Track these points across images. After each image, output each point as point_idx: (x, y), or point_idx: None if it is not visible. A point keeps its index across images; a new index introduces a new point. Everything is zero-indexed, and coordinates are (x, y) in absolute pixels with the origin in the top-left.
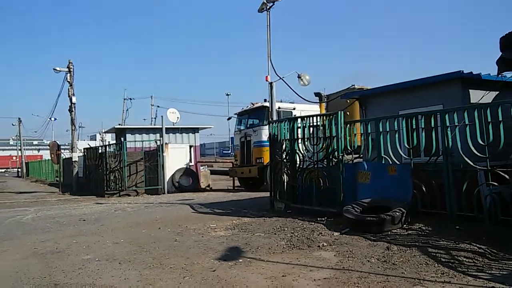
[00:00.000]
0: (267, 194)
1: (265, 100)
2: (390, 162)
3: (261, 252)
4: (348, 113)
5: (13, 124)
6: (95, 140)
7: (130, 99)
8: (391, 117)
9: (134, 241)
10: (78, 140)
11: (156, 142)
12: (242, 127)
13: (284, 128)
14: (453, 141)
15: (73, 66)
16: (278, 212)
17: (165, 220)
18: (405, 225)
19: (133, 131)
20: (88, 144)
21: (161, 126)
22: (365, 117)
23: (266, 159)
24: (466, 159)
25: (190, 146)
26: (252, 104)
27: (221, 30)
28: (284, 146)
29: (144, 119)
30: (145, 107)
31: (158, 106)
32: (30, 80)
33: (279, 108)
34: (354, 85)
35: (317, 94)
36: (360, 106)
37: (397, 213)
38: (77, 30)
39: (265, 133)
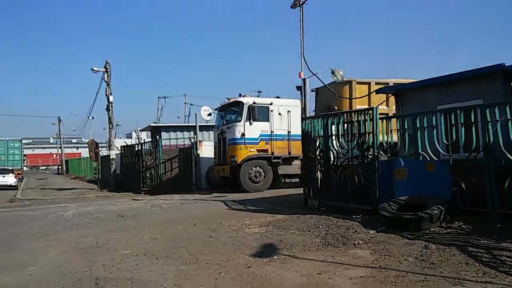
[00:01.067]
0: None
1: (240, 95)
2: (428, 159)
3: (295, 249)
4: (336, 107)
5: (53, 123)
6: (131, 138)
7: (164, 97)
8: (429, 112)
9: (171, 237)
10: (115, 138)
11: (190, 140)
12: (220, 124)
13: (318, 125)
14: (494, 137)
15: (110, 66)
16: (312, 209)
17: (200, 217)
18: (443, 224)
19: (168, 129)
20: (125, 142)
21: (195, 124)
22: (401, 113)
23: (240, 157)
24: (508, 155)
25: None
26: (228, 99)
27: (253, 26)
28: (317, 143)
29: (178, 117)
30: (178, 105)
31: (192, 104)
32: (69, 80)
33: (254, 103)
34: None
35: (299, 88)
36: (396, 101)
37: (435, 211)
38: (113, 29)
39: (238, 130)
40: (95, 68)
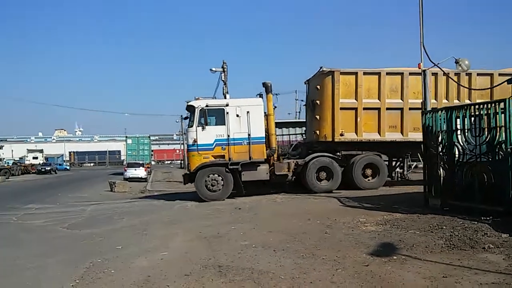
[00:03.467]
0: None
1: (195, 98)
2: None
3: (416, 250)
4: (318, 102)
5: (176, 121)
6: None
7: (276, 94)
8: None
9: (286, 231)
10: None
11: (302, 136)
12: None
13: (440, 119)
14: None
15: (227, 66)
16: (433, 209)
17: (314, 212)
18: None
19: (280, 125)
20: None
21: (305, 120)
22: None
23: (193, 165)
24: None
25: None
26: (187, 102)
27: (366, 14)
28: (440, 138)
29: (289, 114)
30: (290, 102)
31: (302, 100)
32: (190, 80)
33: (207, 106)
34: (322, 67)
35: (264, 85)
36: None
37: None
38: (227, 29)
39: (191, 136)
40: (213, 69)
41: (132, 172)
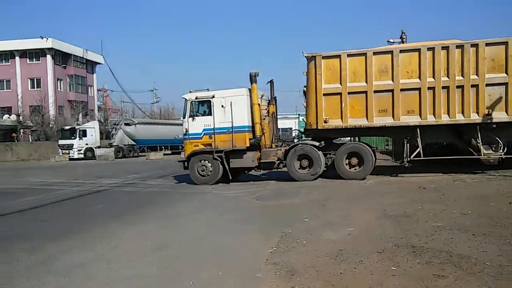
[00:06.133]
0: None
1: (189, 91)
2: None
3: None
4: (304, 88)
5: None
6: None
7: None
8: None
9: (484, 214)
10: None
11: None
12: None
13: None
14: None
15: (405, 36)
16: None
17: None
18: None
19: None
20: None
21: None
22: None
23: (186, 153)
24: None
25: None
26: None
27: None
28: None
29: None
30: None
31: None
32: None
33: (196, 98)
34: (303, 52)
35: (249, 75)
36: None
37: None
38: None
39: (184, 126)
40: (391, 40)
41: None
